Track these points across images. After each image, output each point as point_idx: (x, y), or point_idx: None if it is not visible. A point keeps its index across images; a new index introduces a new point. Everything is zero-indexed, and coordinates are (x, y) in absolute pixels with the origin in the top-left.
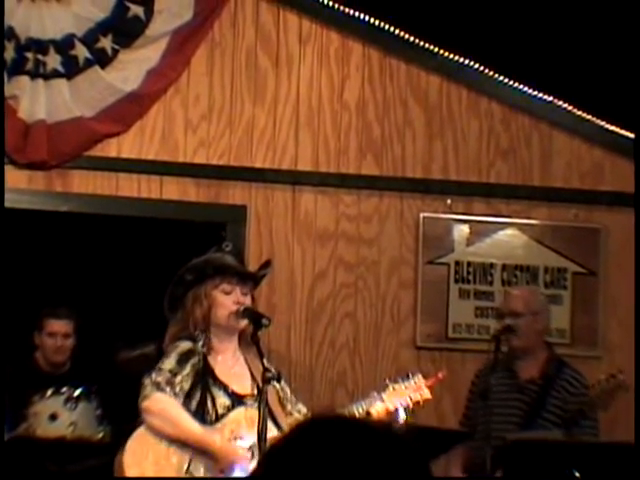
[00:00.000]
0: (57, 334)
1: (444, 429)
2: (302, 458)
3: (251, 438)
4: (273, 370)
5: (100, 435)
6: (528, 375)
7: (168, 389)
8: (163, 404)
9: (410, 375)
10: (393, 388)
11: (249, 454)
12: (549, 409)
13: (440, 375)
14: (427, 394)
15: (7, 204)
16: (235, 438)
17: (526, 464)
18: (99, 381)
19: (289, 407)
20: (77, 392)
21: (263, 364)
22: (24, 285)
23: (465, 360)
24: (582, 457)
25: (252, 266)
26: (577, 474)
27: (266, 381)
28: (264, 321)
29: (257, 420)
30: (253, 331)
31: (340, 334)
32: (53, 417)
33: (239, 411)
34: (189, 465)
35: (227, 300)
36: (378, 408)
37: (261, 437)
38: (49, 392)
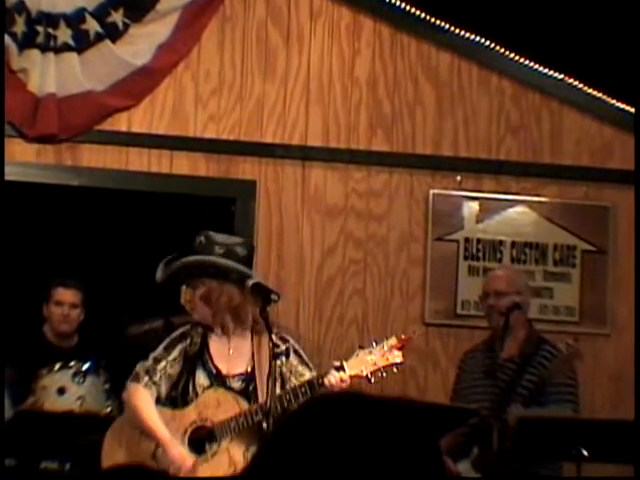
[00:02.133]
0: (64, 303)
1: (452, 406)
2: (309, 436)
3: (219, 420)
4: (282, 346)
5: (108, 409)
6: (507, 354)
7: (146, 378)
8: (132, 394)
9: (384, 339)
10: (357, 355)
11: (190, 461)
12: (524, 385)
13: (410, 335)
14: (395, 358)
15: (16, 177)
16: (203, 419)
17: (533, 442)
18: (107, 355)
19: (294, 382)
20: (85, 366)
21: (272, 339)
22: (33, 259)
23: (473, 337)
24: (589, 435)
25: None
26: (585, 452)
27: (275, 357)
28: (273, 296)
29: (226, 401)
30: (262, 306)
31: (349, 310)
32: (61, 391)
33: (209, 393)
34: (155, 451)
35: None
36: (331, 378)
37: (269, 412)
38: (57, 366)
